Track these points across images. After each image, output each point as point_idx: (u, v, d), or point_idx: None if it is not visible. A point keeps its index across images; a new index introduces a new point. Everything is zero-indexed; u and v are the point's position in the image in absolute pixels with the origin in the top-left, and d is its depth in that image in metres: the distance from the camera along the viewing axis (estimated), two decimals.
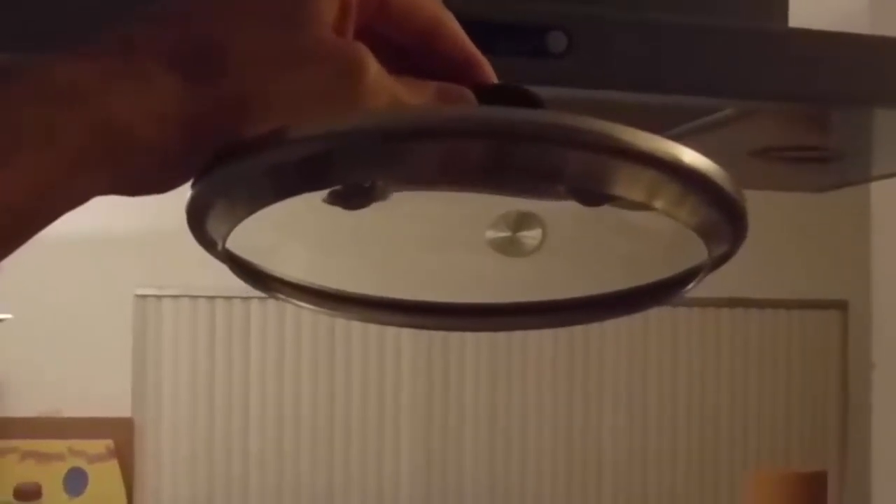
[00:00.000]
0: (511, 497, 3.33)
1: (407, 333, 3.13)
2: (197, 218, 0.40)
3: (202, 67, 0.38)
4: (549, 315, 0.49)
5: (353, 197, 0.41)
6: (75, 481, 3.09)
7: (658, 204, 0.39)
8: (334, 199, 0.41)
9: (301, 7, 0.39)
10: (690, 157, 0.37)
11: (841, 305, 3.45)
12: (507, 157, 0.37)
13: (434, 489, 3.32)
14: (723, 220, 0.40)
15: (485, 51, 0.77)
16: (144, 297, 3.15)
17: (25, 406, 3.04)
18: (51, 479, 3.05)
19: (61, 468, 3.07)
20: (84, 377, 3.11)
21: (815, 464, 3.06)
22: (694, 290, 0.45)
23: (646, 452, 3.44)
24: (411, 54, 0.43)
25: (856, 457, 3.29)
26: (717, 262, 0.43)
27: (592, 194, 0.40)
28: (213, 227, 0.41)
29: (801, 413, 3.50)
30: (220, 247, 0.42)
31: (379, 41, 0.41)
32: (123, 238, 2.95)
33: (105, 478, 3.11)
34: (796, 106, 0.87)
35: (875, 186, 2.07)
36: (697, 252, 0.43)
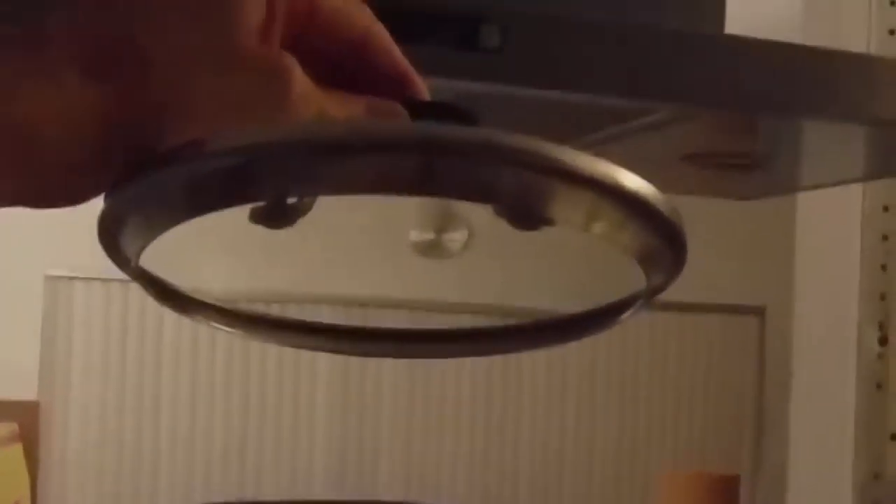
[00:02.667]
0: (426, 485, 3.32)
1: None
2: (109, 233, 0.38)
3: (118, 69, 0.36)
4: (473, 343, 0.47)
5: (276, 215, 0.39)
6: None
7: (597, 229, 0.37)
8: (258, 219, 0.39)
9: (224, 12, 0.37)
10: (631, 180, 0.35)
11: (759, 311, 3.50)
12: (437, 174, 0.36)
13: (349, 469, 3.30)
14: (663, 246, 0.38)
15: (416, 41, 0.74)
16: (56, 278, 3.09)
17: None
18: None
19: None
20: None
21: (730, 467, 3.09)
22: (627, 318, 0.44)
23: (561, 452, 3.46)
24: (341, 67, 0.41)
25: (771, 462, 3.33)
26: (654, 291, 0.42)
27: (526, 217, 0.39)
28: (127, 243, 0.38)
29: (716, 417, 3.54)
30: (133, 264, 0.40)
31: (308, 53, 0.39)
32: (34, 217, 2.87)
33: (8, 462, 3.04)
34: (727, 112, 0.86)
35: (801, 196, 2.09)
36: (623, 260, 0.41)
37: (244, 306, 0.46)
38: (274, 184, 0.36)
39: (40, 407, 3.14)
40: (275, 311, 3.46)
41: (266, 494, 3.14)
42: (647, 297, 0.42)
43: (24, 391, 3.07)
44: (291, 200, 0.39)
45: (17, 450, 3.10)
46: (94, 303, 3.11)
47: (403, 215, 3.19)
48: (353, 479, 3.30)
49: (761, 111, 0.86)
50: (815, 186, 1.17)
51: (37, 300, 3.09)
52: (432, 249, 3.22)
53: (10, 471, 3.07)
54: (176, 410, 3.19)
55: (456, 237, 3.25)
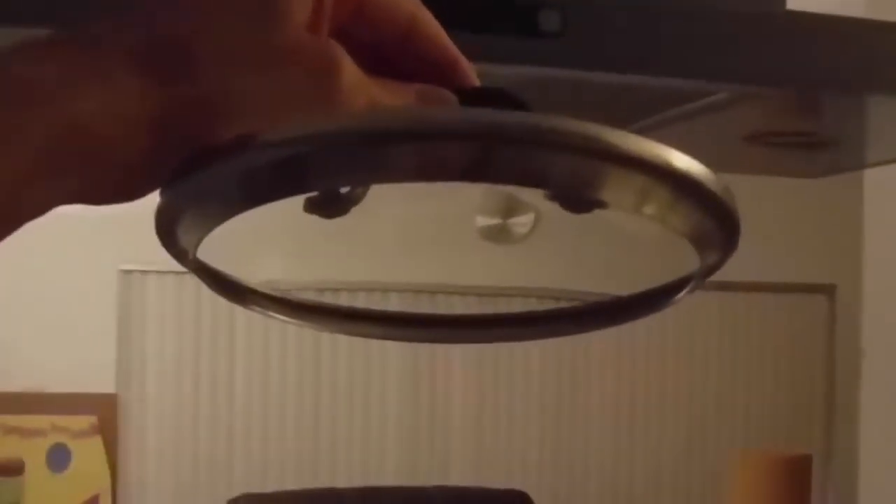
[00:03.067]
0: (497, 471, 3.33)
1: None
2: (166, 227, 0.38)
3: (169, 68, 0.36)
4: (536, 326, 0.47)
5: (331, 204, 0.40)
6: (59, 457, 3.08)
7: (648, 210, 0.37)
8: (312, 208, 0.40)
9: (272, 5, 0.38)
10: (682, 161, 0.36)
11: (829, 289, 3.45)
12: (490, 160, 0.36)
13: (421, 459, 3.32)
14: (715, 227, 0.38)
15: (475, 28, 0.75)
16: (129, 272, 3.14)
17: (8, 381, 3.02)
18: (34, 455, 3.04)
19: (44, 444, 3.06)
20: (68, 353, 3.09)
21: (800, 447, 3.06)
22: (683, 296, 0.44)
23: (633, 435, 3.45)
24: (389, 56, 0.41)
25: (842, 441, 3.29)
26: (708, 271, 0.42)
27: (579, 200, 0.39)
28: (184, 236, 0.39)
29: (787, 397, 3.51)
30: (191, 256, 0.41)
31: (356, 42, 0.40)
32: (108, 213, 2.92)
33: (88, 454, 3.10)
34: (791, 91, 0.85)
35: (869, 172, 2.06)
36: (686, 244, 0.41)
37: (299, 295, 0.46)
38: (328, 174, 0.36)
39: (118, 399, 3.20)
40: (343, 299, 3.50)
41: (339, 482, 3.17)
42: (700, 278, 0.42)
43: (102, 384, 3.13)
44: (344, 190, 0.40)
45: (97, 442, 3.17)
46: (168, 296, 3.16)
47: (470, 201, 3.19)
48: (425, 466, 3.32)
49: (825, 88, 0.85)
50: (882, 163, 1.15)
51: (111, 295, 3.15)
52: (499, 234, 3.22)
53: (91, 463, 3.14)
54: (250, 400, 3.23)
55: (522, 221, 3.25)
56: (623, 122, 0.91)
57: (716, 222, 0.38)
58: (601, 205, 0.38)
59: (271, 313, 0.46)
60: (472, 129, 0.35)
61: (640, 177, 0.36)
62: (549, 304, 3.31)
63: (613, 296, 0.45)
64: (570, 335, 0.47)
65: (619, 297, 0.45)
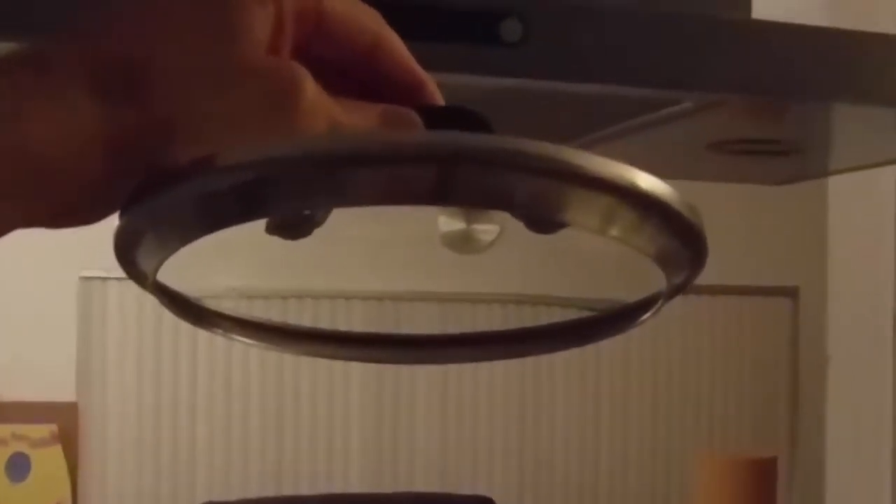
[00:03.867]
0: (462, 477, 3.32)
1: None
2: (124, 250, 0.38)
3: (123, 88, 0.35)
4: (498, 346, 0.47)
5: (293, 226, 0.39)
6: (18, 467, 3.04)
7: (614, 232, 0.37)
8: (274, 230, 0.39)
9: (230, 23, 0.36)
10: (647, 181, 0.35)
11: (792, 292, 3.47)
12: (453, 183, 0.35)
13: (385, 466, 3.30)
14: (681, 247, 0.38)
15: (436, 38, 0.74)
16: (89, 279, 3.10)
17: None
18: None
19: (3, 453, 3.02)
20: (27, 361, 3.05)
21: (766, 449, 3.07)
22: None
23: (597, 439, 3.45)
24: (352, 75, 0.40)
25: (807, 443, 3.31)
26: (675, 290, 0.42)
27: (544, 221, 0.39)
28: (143, 260, 0.38)
29: (752, 399, 3.52)
30: (150, 280, 0.40)
31: (317, 61, 0.39)
32: None
33: (48, 463, 3.06)
34: (756, 98, 0.85)
35: (833, 177, 2.07)
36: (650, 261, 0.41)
37: (261, 317, 0.46)
38: (288, 198, 0.35)
39: (78, 408, 3.17)
40: (307, 307, 3.46)
41: (303, 489, 3.15)
42: (667, 297, 0.42)
43: (63, 393, 3.10)
44: (307, 212, 0.39)
45: (57, 451, 3.13)
46: (129, 303, 3.13)
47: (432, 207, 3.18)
48: (390, 472, 3.31)
49: (790, 96, 0.85)
50: (847, 170, 1.15)
51: (71, 302, 3.11)
52: (463, 242, 3.21)
53: (51, 471, 3.10)
54: (212, 408, 3.20)
55: (486, 229, 3.24)
56: (587, 132, 0.90)
57: (682, 243, 0.38)
58: (566, 226, 0.38)
59: (233, 336, 0.45)
60: (435, 152, 0.34)
61: (606, 198, 0.35)
62: (514, 311, 3.30)
63: (578, 317, 0.45)
64: (537, 355, 0.46)
65: (586, 318, 0.45)
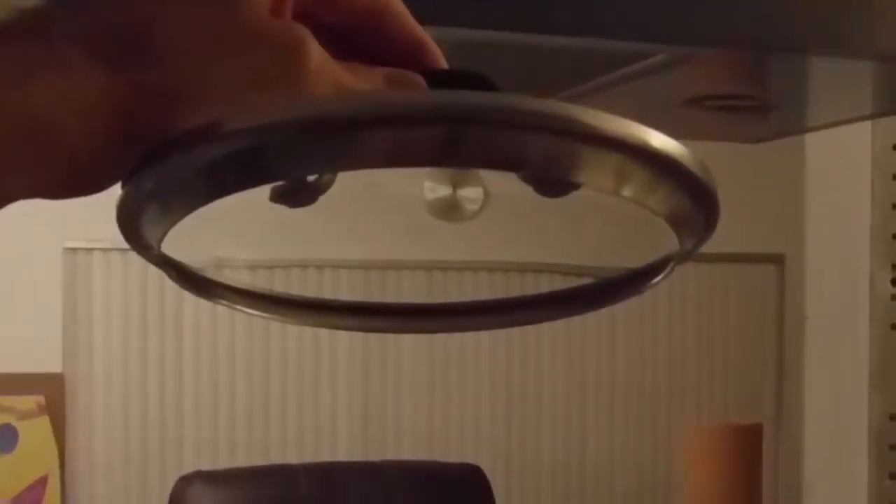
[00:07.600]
0: (450, 446, 3.33)
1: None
2: (129, 220, 0.37)
3: (127, 55, 0.35)
4: (504, 314, 0.46)
5: (298, 193, 0.39)
6: (5, 438, 3.04)
7: (626, 192, 0.36)
8: (278, 198, 0.39)
9: None
10: (660, 140, 0.34)
11: (777, 259, 3.48)
12: (461, 143, 0.34)
13: (373, 435, 3.31)
14: (694, 207, 0.37)
15: None
16: (74, 250, 3.09)
17: None
18: None
19: None
20: (13, 332, 3.04)
21: (751, 416, 3.09)
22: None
23: (584, 407, 3.46)
24: (357, 40, 0.40)
25: (790, 409, 3.33)
26: (687, 253, 0.41)
27: (555, 183, 0.38)
28: (147, 229, 0.38)
29: (738, 366, 3.54)
30: (155, 251, 0.39)
31: (322, 26, 0.38)
32: None
33: (36, 434, 3.06)
34: (731, 52, 0.85)
35: (810, 139, 2.07)
36: (648, 218, 0.40)
37: (264, 288, 0.45)
38: (295, 162, 0.35)
39: (65, 379, 3.16)
40: (294, 276, 3.45)
41: (291, 458, 3.15)
42: (679, 260, 0.41)
43: (49, 364, 3.09)
44: (311, 178, 0.38)
45: (45, 422, 3.13)
46: (114, 273, 3.12)
47: (418, 173, 3.18)
48: (378, 441, 3.32)
49: (766, 49, 0.85)
50: (824, 126, 1.16)
51: (56, 273, 3.10)
52: (450, 210, 3.21)
53: (39, 443, 3.10)
54: (199, 377, 3.21)
55: (472, 196, 3.24)
56: (559, 88, 0.90)
57: (695, 204, 0.37)
58: (577, 187, 0.37)
59: (238, 307, 0.45)
60: (444, 112, 0.33)
61: (619, 157, 0.35)
62: (502, 279, 3.31)
63: (590, 282, 0.43)
64: (548, 321, 0.45)
65: (596, 283, 0.44)
